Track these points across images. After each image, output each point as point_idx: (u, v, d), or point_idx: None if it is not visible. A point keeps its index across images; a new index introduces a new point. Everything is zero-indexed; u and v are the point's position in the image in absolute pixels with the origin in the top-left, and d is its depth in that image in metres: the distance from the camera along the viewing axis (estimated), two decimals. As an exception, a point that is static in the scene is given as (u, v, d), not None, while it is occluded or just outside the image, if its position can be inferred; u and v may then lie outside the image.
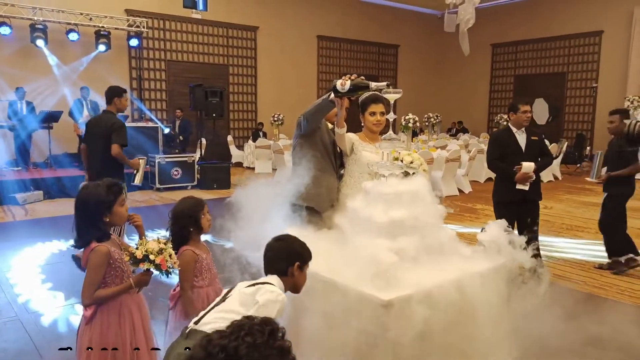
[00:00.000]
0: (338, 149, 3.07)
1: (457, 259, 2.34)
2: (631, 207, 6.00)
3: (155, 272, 1.89)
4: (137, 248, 1.87)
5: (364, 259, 2.19)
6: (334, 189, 3.02)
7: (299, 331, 2.25)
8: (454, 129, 16.71)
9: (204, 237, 2.59)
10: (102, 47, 11.10)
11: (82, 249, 1.96)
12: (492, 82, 17.37)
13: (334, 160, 3.06)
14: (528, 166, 4.18)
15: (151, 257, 1.82)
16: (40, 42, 10.37)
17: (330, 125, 3.09)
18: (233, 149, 13.16)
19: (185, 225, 2.28)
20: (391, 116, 2.43)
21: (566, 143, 12.86)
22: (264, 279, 1.93)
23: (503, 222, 2.71)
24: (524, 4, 15.63)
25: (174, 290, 2.41)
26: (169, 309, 2.35)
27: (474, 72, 17.34)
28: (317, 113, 2.81)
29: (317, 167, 2.98)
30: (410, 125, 9.33)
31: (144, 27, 11.83)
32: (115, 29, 11.42)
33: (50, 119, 9.27)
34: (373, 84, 2.49)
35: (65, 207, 7.71)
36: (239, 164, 12.97)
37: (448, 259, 2.34)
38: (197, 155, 10.10)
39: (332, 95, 2.62)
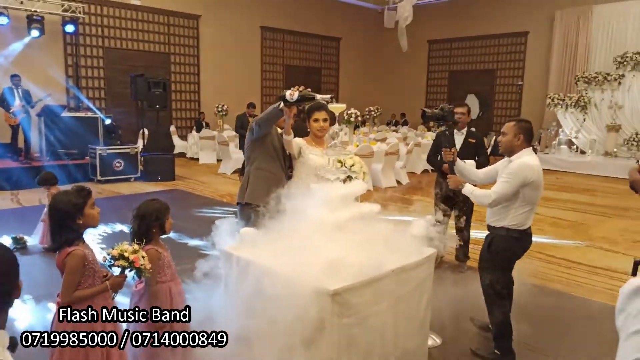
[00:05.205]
0: (287, 152, 3.33)
1: (395, 251, 2.68)
2: (544, 197, 6.62)
3: (129, 275, 2.09)
4: (113, 249, 2.08)
5: (313, 254, 2.48)
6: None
7: (252, 319, 2.52)
8: (394, 121, 17.39)
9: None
10: (35, 33, 10.61)
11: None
12: (429, 76, 18.19)
13: (283, 163, 3.33)
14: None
15: (125, 254, 2.03)
16: (-35, 26, 9.79)
17: (279, 130, 3.35)
18: (176, 139, 13.06)
19: (150, 226, 2.47)
20: (336, 127, 2.73)
21: (495, 137, 13.80)
22: None
23: (429, 218, 3.11)
24: (457, 3, 16.43)
25: (135, 287, 2.59)
26: (133, 304, 2.54)
27: (412, 67, 18.07)
28: (268, 120, 3.07)
29: (267, 169, 3.25)
30: (352, 120, 9.74)
31: (80, 13, 11.41)
32: (50, 13, 10.94)
33: (-19, 108, 8.84)
34: (318, 96, 2.78)
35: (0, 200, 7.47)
36: (182, 155, 12.89)
37: (387, 250, 2.68)
38: (139, 146, 9.99)
39: (282, 104, 2.89)
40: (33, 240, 5.30)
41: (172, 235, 5.29)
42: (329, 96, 2.70)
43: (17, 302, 4.03)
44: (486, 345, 3.29)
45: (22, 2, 10.48)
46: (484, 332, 3.49)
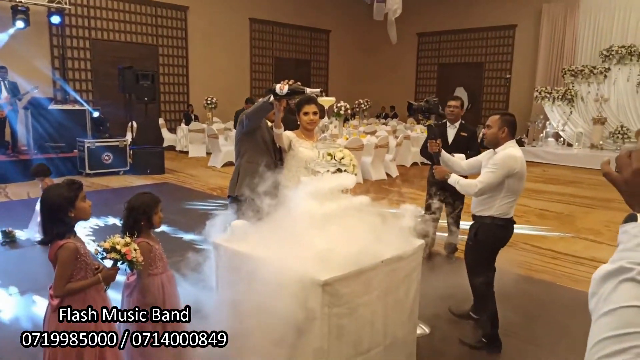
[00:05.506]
0: (277, 145, 3.36)
1: (384, 242, 2.73)
2: (531, 189, 6.66)
3: (122, 266, 2.10)
4: (105, 242, 2.09)
5: (303, 246, 2.52)
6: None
7: (243, 310, 2.55)
8: (383, 114, 17.43)
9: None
10: (20, 24, 10.45)
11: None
12: (418, 69, 18.23)
13: (274, 155, 3.35)
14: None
15: (117, 247, 2.05)
16: (-52, 16, 9.60)
17: (270, 124, 3.36)
18: (165, 132, 12.96)
19: (138, 219, 2.48)
20: (325, 120, 2.75)
21: (482, 130, 13.92)
22: None
23: (418, 210, 3.16)
24: (447, -5, 16.45)
25: (128, 279, 2.61)
26: (125, 296, 2.56)
27: (401, 59, 18.09)
28: (257, 113, 3.09)
29: (257, 162, 3.27)
30: (342, 112, 9.75)
31: (66, 4, 11.25)
32: (35, 4, 10.77)
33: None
34: (308, 90, 2.80)
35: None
36: (172, 148, 12.82)
37: (377, 241, 2.72)
38: (128, 139, 9.92)
39: (272, 97, 2.91)
40: (28, 233, 5.26)
41: (165, 229, 5.32)
42: (318, 90, 2.72)
43: (2, 294, 4.00)
44: (473, 334, 3.36)
45: (6, -7, 10.32)
46: (465, 320, 3.57)
